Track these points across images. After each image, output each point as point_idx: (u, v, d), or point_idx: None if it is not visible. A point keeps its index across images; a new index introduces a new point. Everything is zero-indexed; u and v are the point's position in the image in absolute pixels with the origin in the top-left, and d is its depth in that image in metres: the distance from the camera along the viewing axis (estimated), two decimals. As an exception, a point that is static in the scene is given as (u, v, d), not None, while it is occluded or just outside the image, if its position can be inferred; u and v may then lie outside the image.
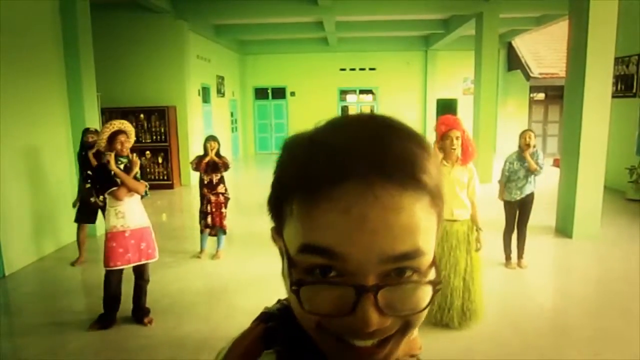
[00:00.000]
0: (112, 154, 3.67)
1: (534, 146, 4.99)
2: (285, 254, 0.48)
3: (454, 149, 3.60)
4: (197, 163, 5.41)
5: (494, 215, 6.78)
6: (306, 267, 0.44)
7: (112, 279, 3.79)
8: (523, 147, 4.97)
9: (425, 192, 0.44)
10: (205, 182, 5.45)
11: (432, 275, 0.46)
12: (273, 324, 0.54)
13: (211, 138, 5.51)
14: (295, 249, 0.45)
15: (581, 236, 6.16)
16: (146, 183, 3.87)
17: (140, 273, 3.92)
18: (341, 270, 0.43)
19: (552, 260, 5.82)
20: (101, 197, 3.95)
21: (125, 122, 3.86)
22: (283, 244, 0.49)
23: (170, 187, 10.52)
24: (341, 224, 0.42)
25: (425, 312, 0.46)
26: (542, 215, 6.69)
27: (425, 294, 0.45)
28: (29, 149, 5.71)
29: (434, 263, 0.46)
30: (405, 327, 0.46)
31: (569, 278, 5.12)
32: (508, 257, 5.25)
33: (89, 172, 5.26)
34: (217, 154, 5.41)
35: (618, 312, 4.10)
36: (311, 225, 0.43)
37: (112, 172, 3.65)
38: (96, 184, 3.90)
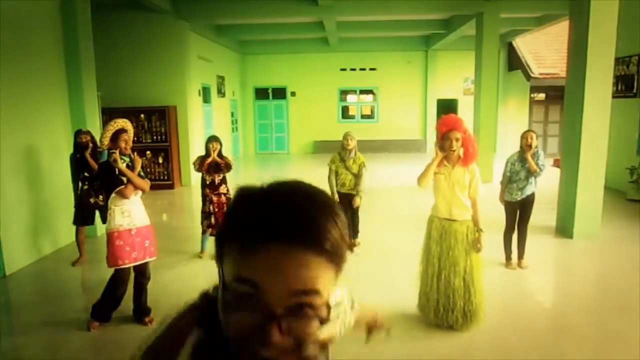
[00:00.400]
0: (117, 152, 3.67)
1: (536, 147, 4.98)
2: (221, 277, 0.65)
3: (453, 151, 3.58)
4: (200, 164, 5.42)
5: (494, 216, 6.77)
6: (237, 294, 0.61)
7: (124, 278, 3.78)
8: (524, 147, 4.95)
9: (324, 252, 0.62)
10: (208, 182, 5.46)
11: (324, 313, 0.64)
12: (208, 308, 0.68)
13: (213, 138, 5.52)
14: (230, 277, 0.62)
15: (582, 236, 6.16)
16: (148, 181, 3.88)
17: (142, 271, 3.92)
18: (260, 299, 0.60)
19: (553, 260, 5.82)
20: (101, 197, 3.95)
21: (127, 120, 3.88)
22: (221, 269, 0.66)
23: (171, 187, 10.52)
24: (264, 268, 0.60)
25: (317, 337, 0.64)
26: (542, 215, 6.68)
27: (316, 326, 0.63)
28: (28, 149, 5.71)
29: (327, 304, 0.64)
30: (300, 346, 0.63)
31: (570, 278, 5.12)
32: (508, 258, 5.24)
33: (86, 173, 5.29)
34: (220, 155, 5.43)
35: (619, 312, 4.10)
36: (245, 264, 0.61)
37: (118, 171, 3.65)
38: (101, 183, 3.89)
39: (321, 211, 0.63)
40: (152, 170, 10.58)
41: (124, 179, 3.68)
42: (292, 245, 0.60)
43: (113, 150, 3.70)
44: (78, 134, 5.42)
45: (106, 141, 3.73)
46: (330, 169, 5.74)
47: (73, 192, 5.48)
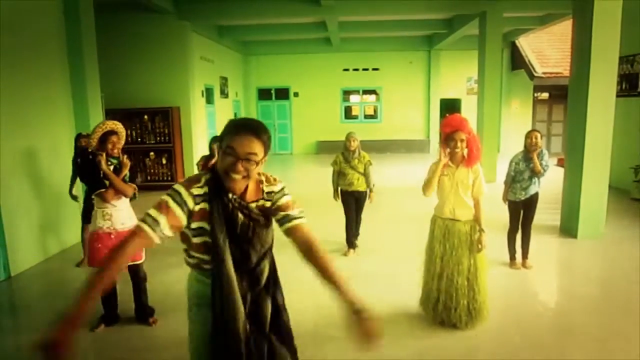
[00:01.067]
0: (104, 154, 3.67)
1: (540, 146, 4.95)
2: (222, 146, 1.81)
3: (457, 151, 3.56)
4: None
5: (497, 215, 6.77)
6: (227, 151, 1.78)
7: None
8: (529, 147, 4.92)
9: (261, 140, 1.80)
10: None
11: (258, 162, 1.80)
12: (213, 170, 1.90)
13: (217, 139, 5.52)
14: (225, 145, 1.78)
15: (586, 236, 6.14)
16: (135, 186, 3.84)
17: (134, 272, 3.93)
18: (235, 153, 1.76)
19: (557, 260, 5.80)
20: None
21: (117, 123, 3.82)
22: (221, 144, 1.81)
23: (174, 187, 10.53)
24: (239, 142, 1.77)
25: (254, 171, 1.83)
26: (546, 215, 6.67)
27: (254, 166, 1.79)
28: (32, 150, 5.74)
29: (259, 161, 1.81)
30: (248, 174, 1.79)
31: (574, 278, 5.11)
32: (512, 257, 5.23)
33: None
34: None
35: (623, 312, 4.08)
36: (232, 140, 1.78)
37: (102, 173, 3.64)
38: (86, 180, 3.87)
39: (262, 125, 1.83)
40: (156, 171, 10.61)
41: (107, 182, 3.67)
42: (250, 135, 1.78)
43: (99, 152, 3.69)
44: (79, 137, 5.47)
45: (94, 142, 3.71)
46: (333, 170, 5.74)
47: (68, 193, 5.57)
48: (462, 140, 3.53)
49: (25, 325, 4.23)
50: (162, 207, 1.76)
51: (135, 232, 1.75)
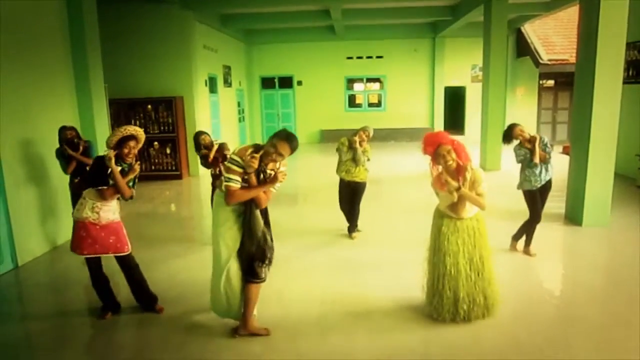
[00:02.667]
0: (114, 152, 3.68)
1: (538, 136, 4.93)
2: (271, 139, 3.28)
3: (450, 163, 3.51)
4: (205, 162, 5.56)
5: (501, 203, 6.76)
6: (273, 146, 3.23)
7: (90, 265, 3.85)
8: (523, 142, 4.93)
9: (292, 149, 3.27)
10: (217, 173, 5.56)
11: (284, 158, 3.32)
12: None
13: (200, 133, 5.62)
14: (274, 143, 3.23)
15: (591, 223, 6.12)
16: (134, 190, 3.86)
17: (124, 263, 3.94)
18: (277, 151, 3.22)
19: (562, 248, 5.79)
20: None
21: (139, 129, 3.84)
22: (271, 138, 3.29)
23: (179, 177, 10.57)
24: (280, 146, 3.21)
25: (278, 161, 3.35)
26: (551, 203, 6.63)
27: (283, 159, 3.32)
28: (37, 141, 5.75)
29: (285, 157, 3.31)
30: (278, 161, 3.34)
31: (579, 266, 5.09)
32: (516, 240, 5.24)
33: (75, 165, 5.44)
34: (212, 146, 5.55)
35: (628, 300, 4.08)
36: (277, 143, 3.22)
37: (109, 171, 3.65)
38: (89, 174, 3.90)
39: (296, 141, 3.30)
40: (160, 160, 10.63)
41: (110, 181, 3.69)
42: (288, 146, 3.22)
43: (111, 150, 3.70)
44: (63, 130, 5.52)
45: (112, 143, 3.73)
46: (340, 149, 5.69)
47: (69, 185, 5.66)
48: (449, 151, 3.50)
49: (32, 314, 4.28)
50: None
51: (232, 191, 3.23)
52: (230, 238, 3.39)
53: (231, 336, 3.54)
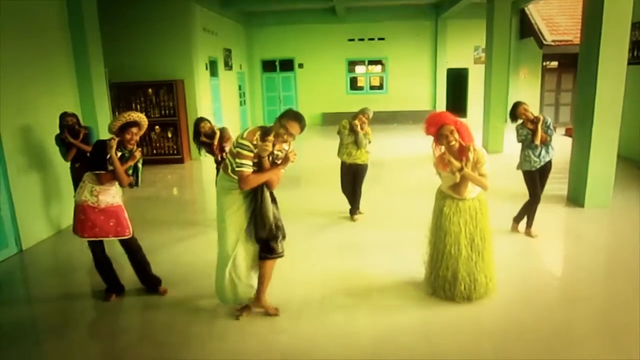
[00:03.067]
0: (117, 139, 3.68)
1: (531, 116, 4.91)
2: (279, 119, 3.28)
3: (453, 144, 3.49)
4: (209, 149, 5.57)
5: (503, 184, 6.76)
6: (283, 126, 3.23)
7: (93, 249, 3.89)
8: (525, 122, 4.90)
9: (302, 128, 3.34)
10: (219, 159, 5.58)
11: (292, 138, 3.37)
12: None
13: (201, 120, 5.67)
14: (283, 123, 3.24)
15: (593, 205, 6.12)
16: (132, 179, 3.87)
17: (127, 246, 3.97)
18: (287, 131, 3.24)
19: (564, 229, 5.81)
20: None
21: (142, 115, 3.84)
22: (279, 119, 3.29)
23: (181, 161, 10.57)
24: (290, 126, 3.24)
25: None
26: (553, 184, 6.63)
27: (292, 139, 3.36)
28: (38, 125, 5.74)
29: (294, 137, 3.38)
30: (288, 140, 3.36)
31: (580, 247, 5.10)
32: (517, 222, 5.26)
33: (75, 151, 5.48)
34: (213, 133, 5.58)
35: (629, 281, 4.10)
36: (286, 123, 3.24)
37: (108, 157, 3.66)
38: (89, 159, 3.91)
39: (304, 121, 3.34)
40: (162, 144, 10.63)
41: (109, 167, 3.70)
42: (297, 125, 3.27)
43: (113, 137, 3.70)
44: (64, 116, 5.54)
45: (114, 128, 3.72)
46: (341, 132, 5.67)
47: (70, 170, 5.70)
48: (452, 132, 3.48)
49: (37, 297, 4.32)
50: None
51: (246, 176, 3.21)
52: (237, 221, 3.36)
53: (235, 318, 3.58)
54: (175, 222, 6.16)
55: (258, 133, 3.20)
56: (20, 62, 5.48)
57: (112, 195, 3.87)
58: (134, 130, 3.76)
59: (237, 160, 3.19)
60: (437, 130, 3.54)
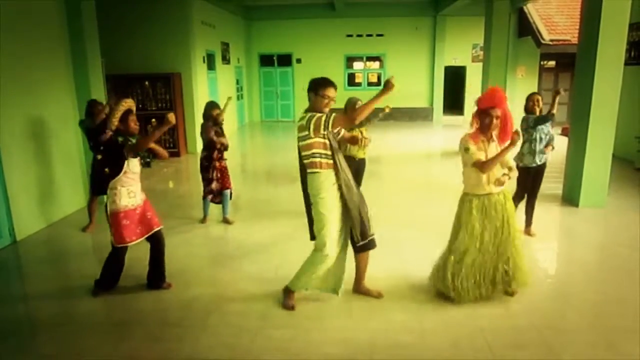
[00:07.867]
0: (110, 133, 3.69)
1: (540, 111, 4.96)
2: (314, 94, 3.52)
3: (492, 129, 3.47)
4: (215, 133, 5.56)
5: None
6: (323, 95, 3.48)
7: (123, 255, 3.85)
8: (531, 110, 4.94)
9: (335, 89, 3.58)
10: (218, 147, 5.57)
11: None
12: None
13: (212, 106, 5.63)
14: (319, 92, 3.48)
15: (588, 205, 6.15)
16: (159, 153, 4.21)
17: (156, 240, 3.95)
18: (328, 97, 3.49)
19: (559, 228, 5.83)
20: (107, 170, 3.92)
21: (127, 100, 3.83)
22: (315, 90, 3.49)
23: (177, 154, 10.54)
24: (329, 92, 3.48)
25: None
26: (549, 184, 6.65)
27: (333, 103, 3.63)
28: (34, 117, 5.71)
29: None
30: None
31: (575, 246, 5.13)
32: (528, 226, 5.26)
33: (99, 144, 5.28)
34: (218, 120, 5.61)
35: (622, 279, 4.13)
36: (323, 90, 3.47)
37: (152, 129, 3.70)
38: (107, 161, 3.90)
39: (323, 78, 3.57)
40: (159, 138, 10.55)
41: (127, 162, 3.72)
42: (329, 88, 3.48)
43: (110, 131, 3.71)
44: (94, 104, 5.38)
45: (116, 121, 3.69)
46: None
47: (92, 161, 5.51)
48: (497, 117, 3.43)
49: (31, 289, 4.31)
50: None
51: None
52: (337, 218, 3.69)
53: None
54: (171, 215, 6.14)
55: (334, 114, 3.45)
56: (16, 54, 5.42)
57: (141, 189, 3.90)
58: (133, 117, 3.79)
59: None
60: (488, 107, 3.47)
